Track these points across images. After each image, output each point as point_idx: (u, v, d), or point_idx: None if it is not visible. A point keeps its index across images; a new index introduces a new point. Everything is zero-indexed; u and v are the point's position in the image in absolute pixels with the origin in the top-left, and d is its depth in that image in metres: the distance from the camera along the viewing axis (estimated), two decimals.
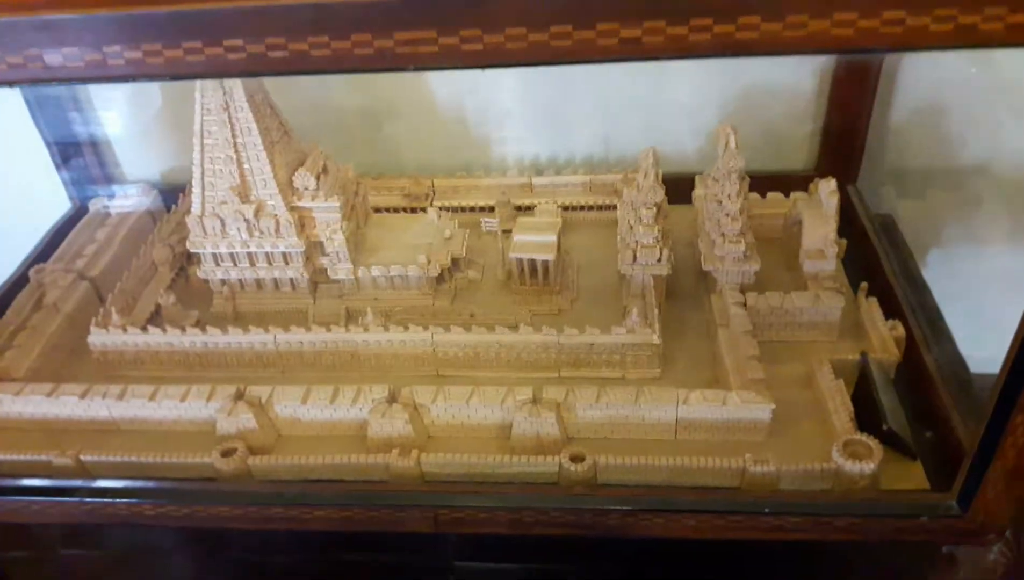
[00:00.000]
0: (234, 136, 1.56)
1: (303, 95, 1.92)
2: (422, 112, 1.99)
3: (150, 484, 1.32)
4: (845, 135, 1.93)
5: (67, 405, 1.44)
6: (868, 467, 1.23)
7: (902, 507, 1.23)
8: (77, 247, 1.88)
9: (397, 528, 1.30)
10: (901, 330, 1.48)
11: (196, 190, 1.62)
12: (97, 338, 1.57)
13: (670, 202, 1.68)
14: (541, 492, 1.30)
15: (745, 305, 1.52)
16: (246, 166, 1.59)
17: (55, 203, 2.13)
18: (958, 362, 1.53)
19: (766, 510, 1.24)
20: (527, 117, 2.02)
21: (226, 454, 1.33)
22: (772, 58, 1.89)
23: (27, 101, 2.05)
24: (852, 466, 1.23)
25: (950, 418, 1.32)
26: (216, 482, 1.34)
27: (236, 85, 1.50)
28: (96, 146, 2.17)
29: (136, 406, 1.44)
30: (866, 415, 1.34)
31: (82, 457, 1.36)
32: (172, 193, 2.02)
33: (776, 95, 1.95)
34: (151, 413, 1.44)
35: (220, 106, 1.53)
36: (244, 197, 1.60)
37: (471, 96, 1.98)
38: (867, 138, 1.94)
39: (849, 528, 1.23)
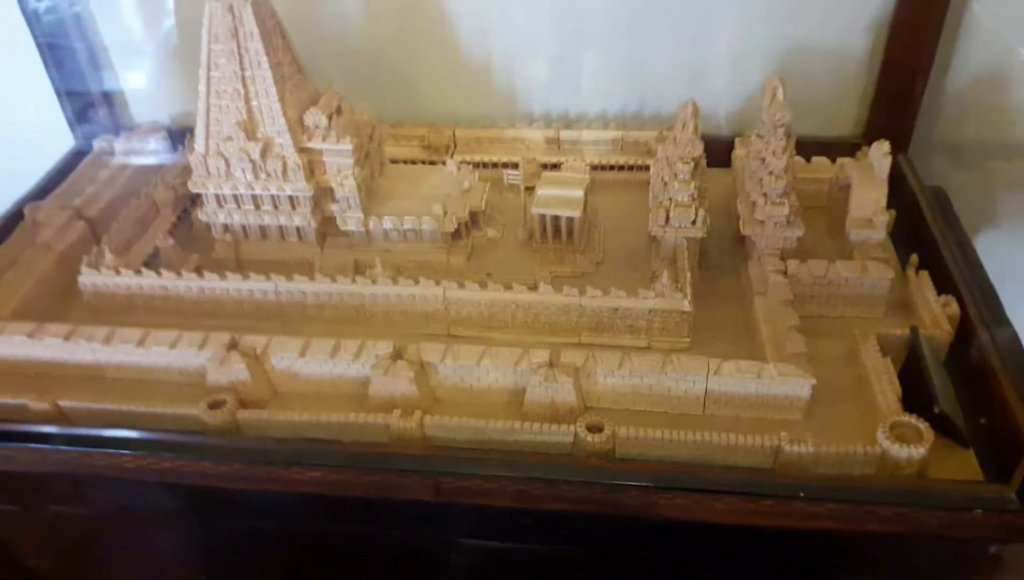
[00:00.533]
0: (242, 68, 1.45)
1: (318, 34, 1.82)
2: (445, 56, 1.87)
3: (129, 433, 1.22)
4: (898, 100, 1.79)
5: (50, 347, 1.35)
6: (917, 452, 1.11)
7: (955, 498, 1.10)
8: (77, 186, 1.78)
9: (396, 494, 1.19)
10: (955, 307, 1.36)
11: (200, 126, 1.52)
12: (88, 278, 1.48)
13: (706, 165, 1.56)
14: (553, 463, 1.19)
15: (786, 273, 1.39)
16: (254, 102, 1.48)
17: (60, 143, 2.05)
18: (1016, 346, 1.40)
19: (801, 494, 1.12)
20: (557, 68, 1.89)
21: (214, 406, 1.24)
22: (822, 13, 1.77)
23: (35, 37, 1.96)
24: (899, 450, 1.11)
25: (1009, 404, 1.19)
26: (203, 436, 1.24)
27: (246, 10, 1.40)
28: (104, 85, 2.07)
29: (123, 351, 1.34)
30: (915, 396, 1.22)
31: (61, 403, 1.26)
32: (181, 135, 1.91)
33: (824, 55, 1.82)
34: (139, 359, 1.35)
35: (228, 33, 1.42)
36: (251, 135, 1.49)
37: (498, 41, 1.86)
38: (921, 104, 1.80)
39: (893, 518, 1.11)
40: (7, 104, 2.12)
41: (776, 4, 1.77)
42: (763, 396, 1.22)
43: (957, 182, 1.86)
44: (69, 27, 1.98)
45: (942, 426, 1.16)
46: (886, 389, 1.22)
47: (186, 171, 1.71)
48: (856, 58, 1.82)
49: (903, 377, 1.26)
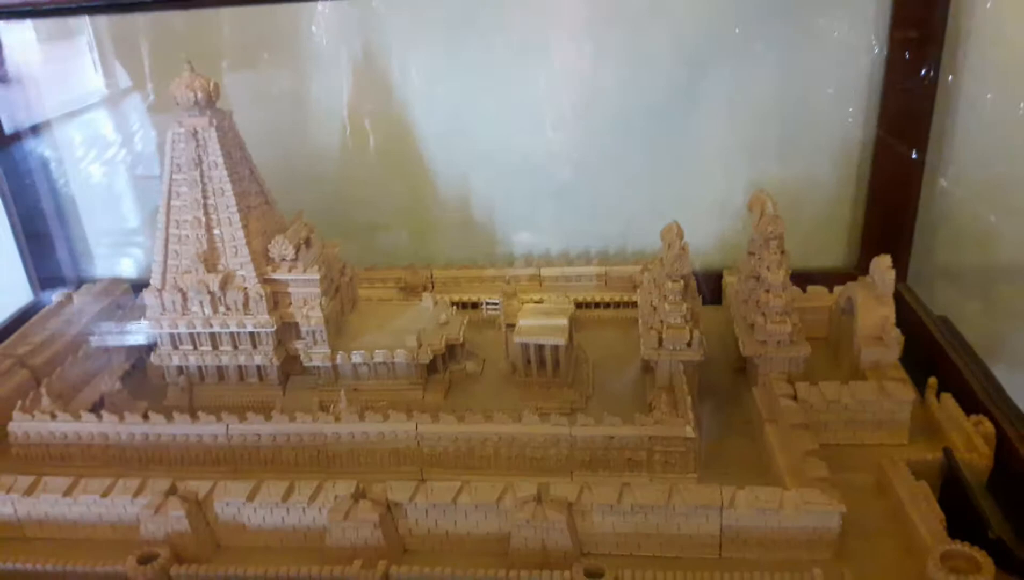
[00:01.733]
0: (204, 196, 1.38)
1: (292, 176, 1.77)
2: (423, 200, 1.83)
3: None
4: (889, 228, 1.74)
5: None
6: None
7: None
8: (26, 337, 1.66)
9: None
10: (989, 426, 1.22)
11: (158, 259, 1.43)
12: (19, 426, 1.32)
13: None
14: None
15: (796, 397, 1.26)
16: (216, 231, 1.40)
17: (18, 298, 1.95)
18: None
19: None
20: (537, 209, 1.85)
21: (144, 561, 1.05)
22: (803, 146, 1.74)
23: None
24: None
25: None
26: None
27: (211, 135, 1.34)
28: (69, 238, 2.01)
29: (48, 503, 1.16)
30: (961, 523, 1.05)
31: None
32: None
33: (808, 187, 1.78)
34: (65, 511, 1.17)
35: (191, 161, 1.36)
36: (211, 266, 1.40)
37: (478, 184, 1.83)
38: (914, 233, 1.74)
39: None
40: None
41: (756, 139, 1.75)
42: (787, 530, 1.05)
43: (961, 312, 1.77)
44: (35, 178, 1.94)
45: (1001, 554, 0.99)
46: (928, 516, 1.05)
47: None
48: (841, 190, 1.79)
49: (943, 505, 1.09)
